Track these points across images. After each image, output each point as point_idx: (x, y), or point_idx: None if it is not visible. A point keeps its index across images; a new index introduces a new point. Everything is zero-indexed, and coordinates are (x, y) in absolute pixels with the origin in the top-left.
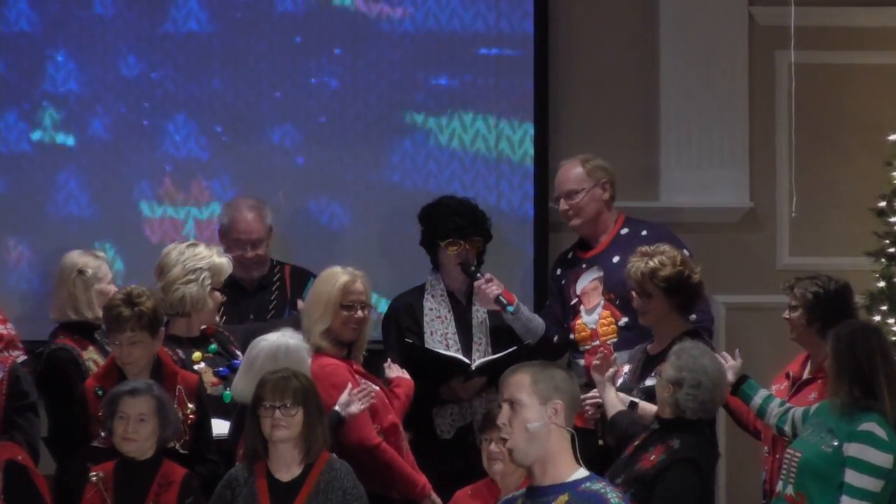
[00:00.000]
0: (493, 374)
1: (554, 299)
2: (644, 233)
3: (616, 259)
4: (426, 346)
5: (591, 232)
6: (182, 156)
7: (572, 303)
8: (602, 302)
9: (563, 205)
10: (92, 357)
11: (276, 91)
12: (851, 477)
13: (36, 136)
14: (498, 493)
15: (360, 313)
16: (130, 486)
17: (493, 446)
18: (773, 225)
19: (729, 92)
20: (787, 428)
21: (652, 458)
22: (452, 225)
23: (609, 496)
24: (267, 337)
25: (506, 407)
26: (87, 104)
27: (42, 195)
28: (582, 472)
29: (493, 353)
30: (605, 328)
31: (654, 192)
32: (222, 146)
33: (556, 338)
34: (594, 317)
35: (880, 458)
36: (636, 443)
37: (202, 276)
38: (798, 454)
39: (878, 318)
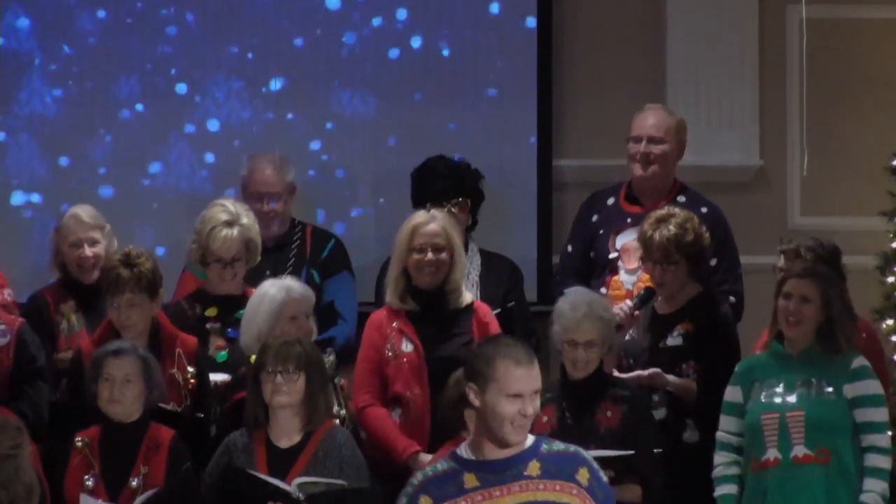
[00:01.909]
0: None
1: (579, 245)
2: (704, 210)
3: None
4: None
5: (651, 187)
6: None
7: (611, 256)
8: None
9: (643, 147)
10: (68, 314)
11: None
12: (872, 414)
13: None
14: None
15: (430, 255)
16: (117, 450)
17: None
18: (783, 185)
19: (738, 48)
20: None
21: (609, 415)
22: (435, 188)
23: (581, 453)
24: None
25: (535, 397)
26: None
27: None
28: (531, 438)
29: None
30: None
31: (683, 152)
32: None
33: None
34: (633, 278)
35: (880, 388)
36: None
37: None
38: (800, 413)
39: (891, 279)
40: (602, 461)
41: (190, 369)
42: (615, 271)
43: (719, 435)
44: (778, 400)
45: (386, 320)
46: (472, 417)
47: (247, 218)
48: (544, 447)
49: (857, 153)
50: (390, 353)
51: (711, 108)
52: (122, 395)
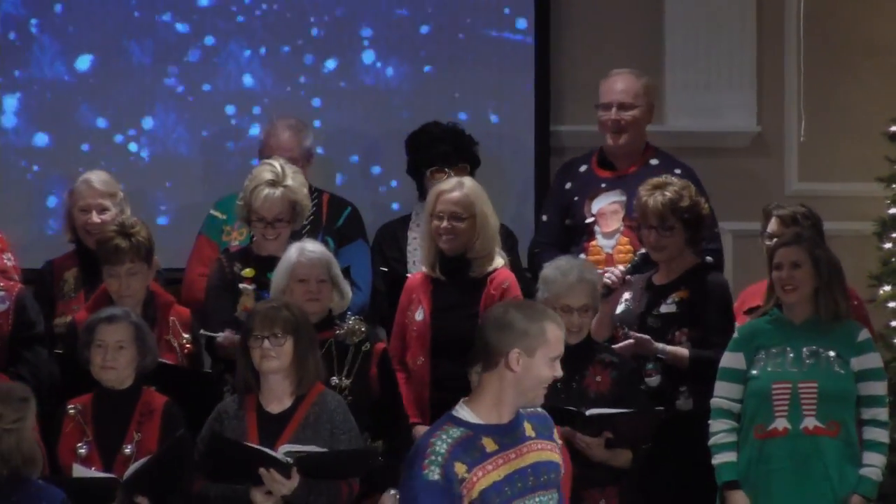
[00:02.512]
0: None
1: (555, 212)
2: (678, 171)
3: None
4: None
5: (624, 153)
6: None
7: (587, 221)
8: (622, 227)
9: (614, 114)
10: (70, 280)
11: None
12: (874, 387)
13: None
14: None
15: (445, 223)
16: (111, 416)
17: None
18: (781, 150)
19: (737, 12)
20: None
21: (598, 380)
22: (436, 152)
23: (544, 412)
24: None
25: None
26: None
27: None
28: None
29: None
30: (621, 255)
31: (659, 116)
32: None
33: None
34: (612, 241)
35: (881, 361)
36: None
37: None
38: (813, 385)
39: (888, 245)
40: (602, 422)
41: (185, 336)
42: (592, 236)
43: (718, 402)
44: (790, 370)
45: (415, 285)
46: (490, 382)
47: (293, 180)
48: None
49: (855, 118)
50: (409, 321)
51: (709, 72)
52: (115, 361)
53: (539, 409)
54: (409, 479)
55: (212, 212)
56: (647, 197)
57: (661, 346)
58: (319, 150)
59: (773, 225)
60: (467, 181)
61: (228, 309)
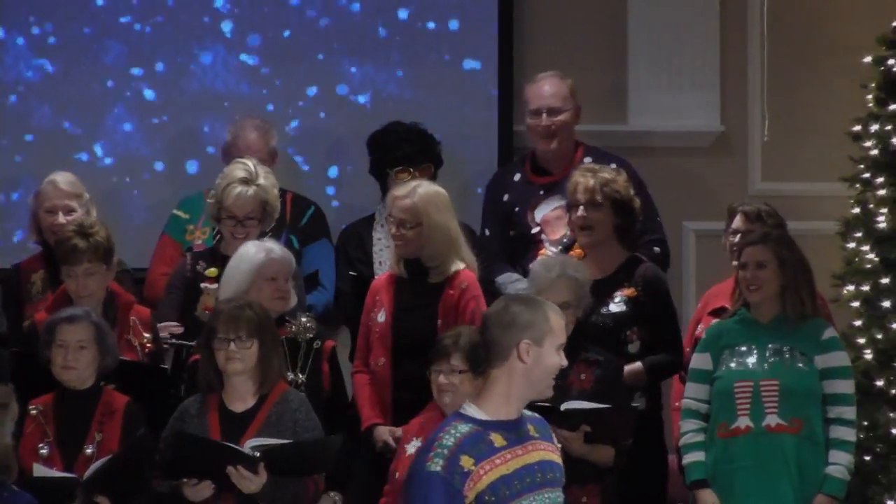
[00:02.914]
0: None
1: (496, 225)
2: (612, 165)
3: None
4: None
5: (556, 156)
6: None
7: (533, 231)
8: (568, 232)
9: (544, 120)
10: (37, 283)
11: None
12: (840, 385)
13: None
14: None
15: (394, 230)
16: (72, 416)
17: (441, 378)
18: (744, 149)
19: (700, 10)
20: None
21: (583, 378)
22: (401, 152)
23: (538, 415)
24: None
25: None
26: None
27: None
28: None
29: None
30: None
31: (622, 115)
32: None
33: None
34: (560, 248)
35: (847, 359)
36: None
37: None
38: (773, 382)
39: (852, 244)
40: (578, 416)
41: (146, 335)
42: (541, 244)
43: (686, 402)
44: (752, 368)
45: (379, 287)
46: (499, 378)
47: (265, 179)
48: (523, 412)
49: (819, 118)
50: (371, 322)
51: (672, 72)
52: (76, 361)
53: (536, 414)
54: (413, 473)
55: (175, 211)
56: (578, 177)
57: (586, 448)
58: (290, 151)
59: (737, 221)
60: (422, 187)
61: (175, 306)
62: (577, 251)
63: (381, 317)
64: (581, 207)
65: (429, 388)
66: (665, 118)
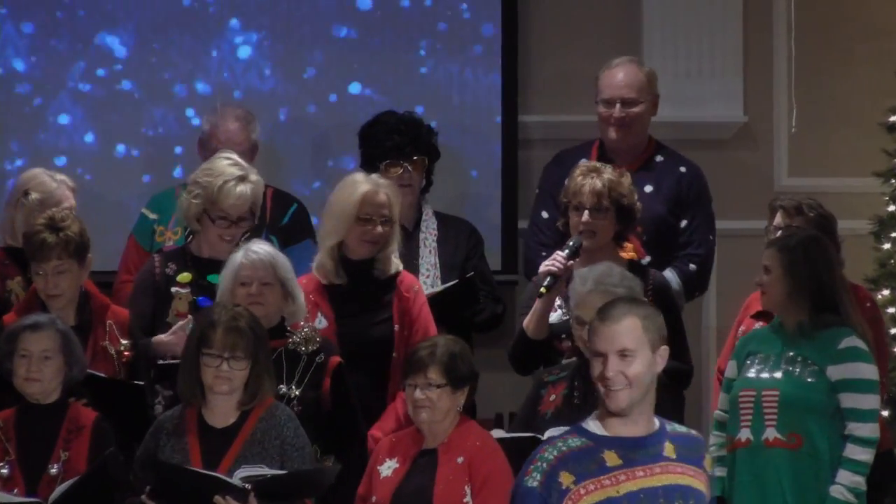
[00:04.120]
0: (439, 309)
1: (555, 209)
2: (682, 170)
3: (648, 189)
4: None
5: (626, 148)
6: None
7: None
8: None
9: (618, 111)
10: (16, 290)
11: None
12: (857, 400)
13: None
14: (423, 440)
15: (379, 228)
16: (35, 433)
17: (418, 393)
18: (769, 142)
19: None
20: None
21: None
22: (391, 144)
23: (700, 435)
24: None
25: (615, 358)
26: None
27: None
28: (656, 417)
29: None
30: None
31: (657, 107)
32: None
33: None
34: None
35: (871, 372)
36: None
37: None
38: (774, 393)
39: (887, 245)
40: None
41: (124, 342)
42: None
43: (717, 414)
44: (761, 376)
45: (304, 289)
46: None
47: (255, 175)
48: (669, 428)
49: (849, 108)
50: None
51: (691, 58)
52: (40, 373)
53: (692, 432)
54: (514, 488)
55: (143, 210)
56: (582, 178)
57: None
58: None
59: (777, 218)
60: (382, 181)
61: (147, 313)
62: None
63: (321, 322)
64: (587, 211)
65: (382, 400)
66: (683, 108)
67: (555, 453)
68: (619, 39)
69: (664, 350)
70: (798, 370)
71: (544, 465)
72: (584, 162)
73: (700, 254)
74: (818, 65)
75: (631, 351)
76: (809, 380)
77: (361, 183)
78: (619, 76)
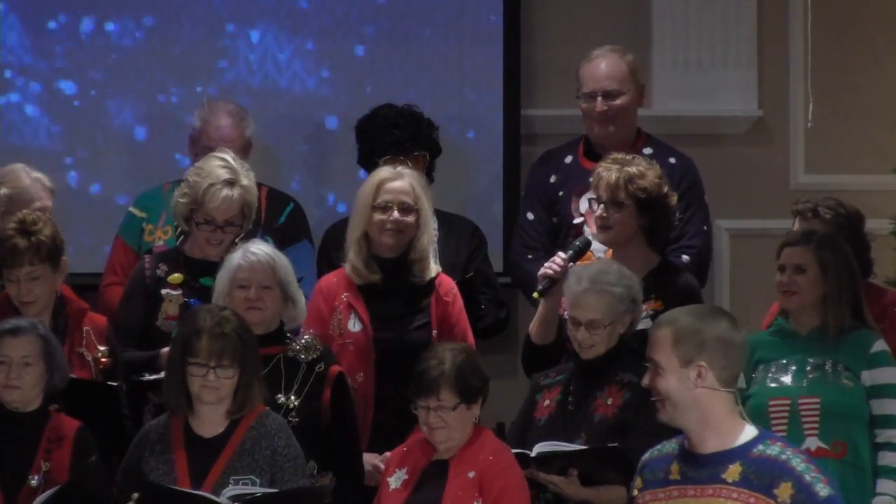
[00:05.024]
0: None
1: (542, 209)
2: (672, 161)
3: None
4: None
5: (612, 142)
6: None
7: (575, 221)
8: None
9: (600, 105)
10: None
11: None
12: (890, 406)
13: None
14: (433, 451)
15: (396, 214)
16: (15, 443)
17: (432, 417)
18: (785, 137)
19: None
20: None
21: (609, 402)
22: (390, 139)
23: (793, 462)
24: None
25: (650, 368)
26: None
27: None
28: (750, 432)
29: None
30: None
31: (646, 98)
32: None
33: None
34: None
35: None
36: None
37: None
38: (814, 401)
39: None
40: (560, 459)
41: (101, 348)
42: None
43: None
44: (790, 385)
45: (336, 288)
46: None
47: (247, 178)
48: (758, 448)
49: (869, 101)
50: (335, 330)
51: (703, 48)
52: (20, 380)
53: (783, 455)
54: None
55: (130, 209)
56: (601, 170)
57: (587, 492)
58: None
59: (796, 223)
60: (406, 170)
61: (137, 317)
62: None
63: (356, 326)
64: (602, 206)
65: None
66: (695, 102)
67: (648, 456)
68: (627, 29)
69: (701, 366)
70: (831, 376)
71: (638, 465)
72: (614, 153)
73: (694, 245)
74: (836, 56)
75: (657, 363)
76: (848, 385)
77: (381, 171)
78: (600, 67)
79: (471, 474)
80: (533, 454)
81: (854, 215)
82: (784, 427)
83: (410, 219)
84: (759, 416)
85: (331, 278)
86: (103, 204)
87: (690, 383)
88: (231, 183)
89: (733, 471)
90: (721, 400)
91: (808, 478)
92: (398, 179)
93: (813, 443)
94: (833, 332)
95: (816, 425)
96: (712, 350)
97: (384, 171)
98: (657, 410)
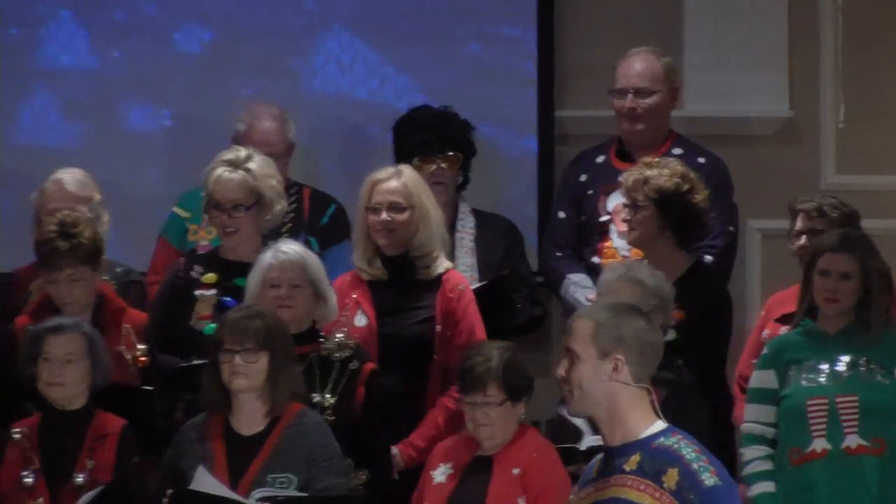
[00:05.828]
0: (482, 303)
1: (572, 208)
2: (701, 160)
3: None
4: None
5: (642, 141)
6: None
7: (602, 219)
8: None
9: (629, 102)
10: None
11: None
12: None
13: None
14: (477, 447)
15: (384, 215)
16: (59, 441)
17: (479, 414)
18: (816, 137)
19: None
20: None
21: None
22: (419, 139)
23: (683, 451)
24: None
25: (566, 357)
26: None
27: None
28: (657, 426)
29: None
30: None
31: (677, 99)
32: None
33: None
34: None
35: None
36: None
37: None
38: (852, 399)
39: None
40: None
41: (140, 347)
42: (607, 235)
43: (749, 427)
44: (826, 384)
45: (347, 287)
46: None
47: (257, 164)
48: (659, 440)
49: None
50: (343, 326)
51: (733, 50)
52: (63, 377)
53: (675, 445)
54: None
55: (174, 209)
56: (629, 171)
57: None
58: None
59: (799, 222)
60: (405, 169)
61: (175, 324)
62: (608, 260)
63: (361, 320)
64: (626, 208)
65: (420, 403)
66: (725, 102)
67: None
68: (659, 30)
69: (618, 359)
70: (866, 374)
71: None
72: (645, 158)
73: (717, 244)
74: (866, 56)
75: (575, 353)
76: (884, 382)
77: (377, 172)
78: (634, 65)
79: (515, 471)
80: (582, 448)
81: (854, 213)
82: (823, 426)
83: (402, 217)
84: (797, 415)
85: (345, 277)
86: (148, 204)
87: (605, 375)
88: (232, 164)
89: (633, 461)
90: (632, 395)
91: (695, 466)
92: (390, 180)
93: (853, 440)
94: (875, 332)
95: (856, 423)
96: (629, 345)
97: (379, 173)
98: (567, 402)
